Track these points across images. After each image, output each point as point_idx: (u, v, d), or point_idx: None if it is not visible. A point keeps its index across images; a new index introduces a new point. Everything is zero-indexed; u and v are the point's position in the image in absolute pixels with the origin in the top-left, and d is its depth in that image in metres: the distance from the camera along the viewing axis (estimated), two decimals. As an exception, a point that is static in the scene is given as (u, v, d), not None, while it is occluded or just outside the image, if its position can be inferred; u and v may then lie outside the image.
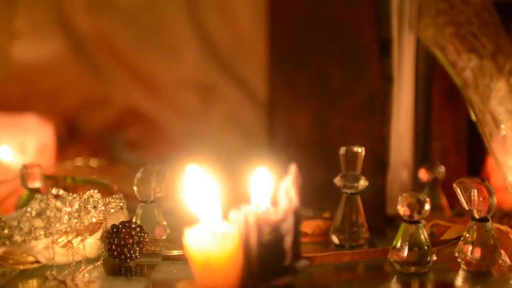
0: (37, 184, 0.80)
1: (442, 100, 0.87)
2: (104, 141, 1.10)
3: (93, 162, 0.97)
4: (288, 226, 0.58)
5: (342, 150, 0.76)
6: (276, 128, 0.98)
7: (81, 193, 0.68)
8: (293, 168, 0.59)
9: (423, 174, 0.84)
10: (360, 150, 0.76)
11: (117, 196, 0.72)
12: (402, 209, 0.67)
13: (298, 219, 0.60)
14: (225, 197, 0.66)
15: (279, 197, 0.59)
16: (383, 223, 0.83)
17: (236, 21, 1.10)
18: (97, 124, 1.12)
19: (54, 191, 0.66)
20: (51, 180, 0.84)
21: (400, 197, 0.66)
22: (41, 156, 0.96)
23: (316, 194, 0.87)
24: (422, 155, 0.88)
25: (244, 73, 1.11)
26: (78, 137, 1.11)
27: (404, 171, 0.86)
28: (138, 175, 0.75)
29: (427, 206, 0.67)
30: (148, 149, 1.10)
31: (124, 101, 1.12)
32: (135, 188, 0.75)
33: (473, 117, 0.80)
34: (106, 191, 0.79)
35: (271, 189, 0.61)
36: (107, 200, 0.70)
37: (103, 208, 0.69)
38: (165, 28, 1.11)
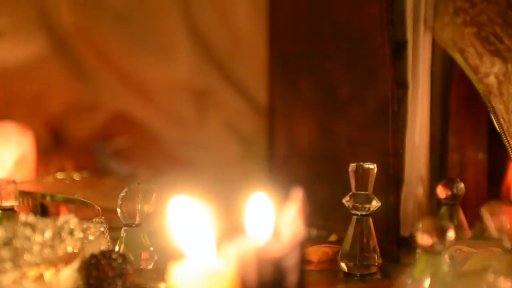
0: (11, 202, 0.73)
1: (460, 107, 0.81)
2: (91, 151, 1.04)
3: (77, 176, 0.89)
4: (292, 262, 0.50)
5: (352, 167, 0.69)
6: (276, 137, 0.92)
7: (54, 218, 0.60)
8: (298, 194, 0.51)
9: (440, 191, 0.77)
10: (372, 166, 0.68)
11: (97, 220, 0.64)
12: (423, 238, 0.58)
13: (304, 253, 0.51)
14: (219, 222, 0.58)
15: (283, 228, 0.51)
16: (397, 246, 0.76)
17: (234, 21, 1.07)
18: (83, 132, 1.07)
19: (23, 217, 0.58)
20: (28, 197, 0.77)
21: (420, 224, 0.58)
22: (20, 169, 0.89)
23: (321, 212, 0.81)
24: (438, 169, 0.82)
25: (242, 76, 1.07)
26: (62, 146, 1.05)
27: (419, 188, 0.79)
28: (122, 194, 0.68)
29: (451, 234, 0.58)
30: (139, 159, 1.04)
31: (113, 107, 1.08)
32: (118, 210, 0.67)
33: (497, 127, 0.75)
34: (89, 211, 0.73)
35: (272, 218, 0.53)
36: (85, 226, 0.61)
37: (80, 235, 0.61)
38: (157, 28, 1.07)
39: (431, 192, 0.80)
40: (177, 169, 0.99)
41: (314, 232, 0.82)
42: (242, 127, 1.07)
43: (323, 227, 0.82)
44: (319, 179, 0.84)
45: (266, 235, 0.53)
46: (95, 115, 1.08)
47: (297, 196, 0.51)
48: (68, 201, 0.76)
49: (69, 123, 1.07)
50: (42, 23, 1.07)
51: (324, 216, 0.82)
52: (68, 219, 0.60)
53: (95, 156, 1.03)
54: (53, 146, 1.05)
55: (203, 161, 1.04)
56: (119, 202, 0.67)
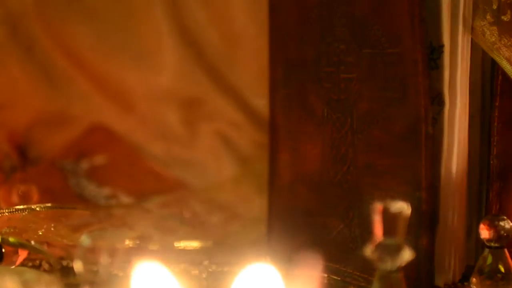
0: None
1: (505, 126, 0.70)
2: (62, 171, 0.97)
3: (40, 207, 0.78)
4: None
5: (377, 207, 0.56)
6: (280, 158, 0.81)
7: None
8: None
9: (483, 231, 0.65)
10: (405, 208, 0.55)
11: (48, 280, 0.51)
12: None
13: None
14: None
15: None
16: (430, 301, 0.66)
17: (228, 19, 1.03)
18: (53, 149, 1.01)
19: None
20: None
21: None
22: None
23: (333, 253, 0.72)
24: (476, 201, 0.71)
25: (239, 84, 1.02)
26: (28, 165, 0.98)
27: (456, 227, 0.68)
28: (83, 241, 0.54)
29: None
30: (119, 180, 0.97)
31: (88, 119, 1.03)
32: (75, 265, 0.54)
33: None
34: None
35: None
36: (28, 293, 0.47)
37: (22, 305, 0.47)
38: (139, 28, 1.03)
39: (468, 230, 0.70)
40: (163, 192, 0.93)
41: (324, 278, 0.71)
42: (239, 143, 1.02)
43: (335, 271, 0.71)
44: (332, 212, 0.73)
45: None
46: (67, 128, 1.02)
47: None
48: (21, 246, 0.64)
49: (36, 137, 1.02)
50: (3, 18, 1.03)
51: (337, 258, 0.71)
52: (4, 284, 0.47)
53: (67, 177, 0.96)
54: (17, 165, 0.98)
55: (193, 182, 0.98)
56: (77, 253, 0.54)
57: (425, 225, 0.65)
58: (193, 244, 0.77)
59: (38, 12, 1.02)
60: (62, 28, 1.02)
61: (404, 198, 0.57)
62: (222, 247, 0.78)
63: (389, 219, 0.56)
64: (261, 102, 0.96)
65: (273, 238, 0.79)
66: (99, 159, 1.00)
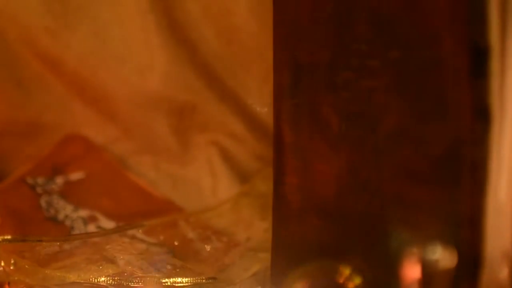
0: None
1: None
2: (33, 189, 0.88)
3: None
4: None
5: (409, 254, 0.51)
6: (286, 180, 0.73)
7: None
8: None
9: None
10: (446, 256, 0.51)
11: None
12: None
13: None
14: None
15: None
16: None
17: (227, 12, 0.93)
18: (22, 161, 0.94)
19: None
20: None
21: None
22: None
23: None
24: None
25: (238, 89, 0.95)
26: None
27: (503, 270, 0.60)
28: None
29: None
30: (99, 198, 0.89)
31: (63, 128, 0.96)
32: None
33: None
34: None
35: None
36: None
37: None
38: (121, 22, 0.95)
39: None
40: (150, 215, 0.85)
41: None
42: (239, 157, 0.94)
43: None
44: (349, 248, 0.66)
45: None
46: (39, 139, 0.96)
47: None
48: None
49: (3, 150, 0.95)
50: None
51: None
52: None
53: (39, 196, 0.87)
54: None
55: (185, 203, 0.90)
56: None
57: (466, 270, 0.57)
58: (184, 280, 0.71)
59: (0, 3, 0.93)
60: (30, 22, 0.94)
61: (440, 237, 0.53)
62: (218, 283, 0.71)
63: (425, 271, 0.50)
64: (264, 110, 0.92)
65: (277, 275, 0.71)
66: (76, 175, 0.92)
